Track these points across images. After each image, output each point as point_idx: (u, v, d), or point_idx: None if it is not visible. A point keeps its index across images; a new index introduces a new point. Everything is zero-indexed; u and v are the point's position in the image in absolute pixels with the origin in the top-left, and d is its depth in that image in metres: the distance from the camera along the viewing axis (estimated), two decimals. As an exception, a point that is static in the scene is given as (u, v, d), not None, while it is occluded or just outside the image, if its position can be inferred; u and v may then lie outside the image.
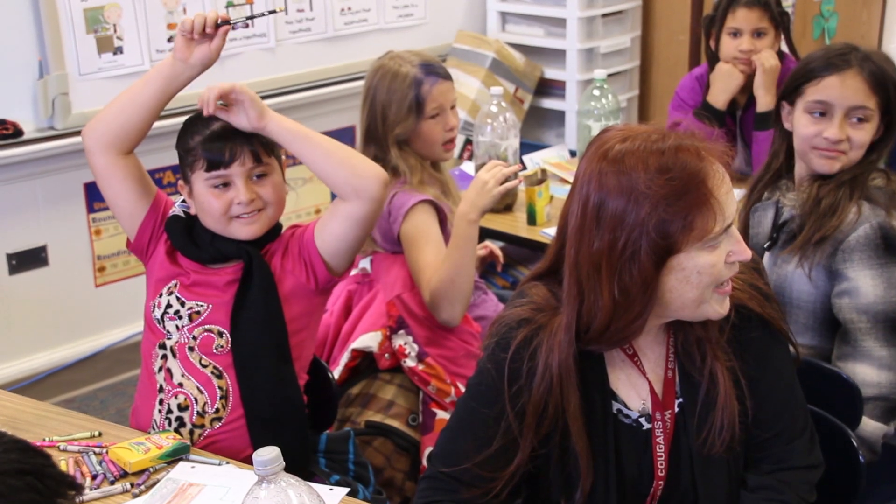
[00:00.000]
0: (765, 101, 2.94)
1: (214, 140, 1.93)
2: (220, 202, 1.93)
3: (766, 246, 2.11)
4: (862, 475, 1.73)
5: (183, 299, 1.96)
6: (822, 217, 2.00)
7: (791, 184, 2.14)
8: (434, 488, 1.59)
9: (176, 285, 1.98)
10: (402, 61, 2.51)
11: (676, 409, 1.56)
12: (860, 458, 1.74)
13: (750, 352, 1.56)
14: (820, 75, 2.04)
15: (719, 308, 1.49)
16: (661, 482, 1.57)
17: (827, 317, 2.03)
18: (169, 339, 1.97)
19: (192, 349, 1.95)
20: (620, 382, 1.57)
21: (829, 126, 2.03)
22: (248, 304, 1.94)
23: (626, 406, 1.57)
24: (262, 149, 1.95)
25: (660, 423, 1.56)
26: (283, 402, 1.96)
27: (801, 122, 2.07)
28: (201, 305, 1.96)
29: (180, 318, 1.96)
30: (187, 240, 1.98)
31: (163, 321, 1.97)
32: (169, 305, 1.97)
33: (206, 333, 1.95)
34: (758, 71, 2.93)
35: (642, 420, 1.57)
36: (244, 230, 1.95)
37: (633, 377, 1.57)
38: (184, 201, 2.03)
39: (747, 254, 1.48)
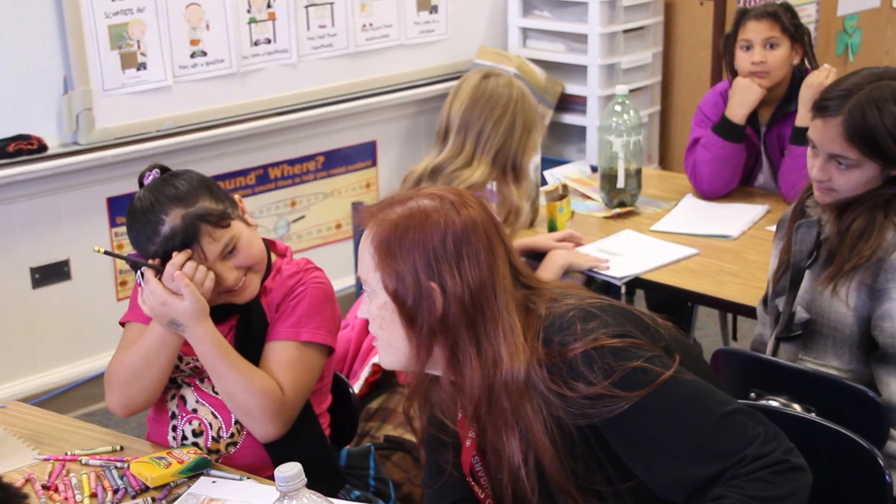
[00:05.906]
0: (804, 116, 2.89)
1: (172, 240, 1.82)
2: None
3: (806, 264, 2.06)
4: (889, 495, 1.71)
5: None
6: (855, 242, 1.95)
7: None
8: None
9: None
10: (512, 78, 2.66)
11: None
12: (887, 477, 1.71)
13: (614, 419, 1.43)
14: (814, 114, 2.02)
15: None
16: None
17: (865, 340, 1.98)
18: (178, 376, 1.96)
19: (202, 381, 1.94)
20: None
21: (815, 164, 2.02)
22: (251, 351, 1.89)
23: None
24: (217, 226, 1.83)
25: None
26: (302, 428, 1.92)
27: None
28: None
29: (182, 371, 1.94)
30: None
31: None
32: None
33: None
34: (802, 85, 2.88)
35: None
36: (240, 297, 1.89)
37: None
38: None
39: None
